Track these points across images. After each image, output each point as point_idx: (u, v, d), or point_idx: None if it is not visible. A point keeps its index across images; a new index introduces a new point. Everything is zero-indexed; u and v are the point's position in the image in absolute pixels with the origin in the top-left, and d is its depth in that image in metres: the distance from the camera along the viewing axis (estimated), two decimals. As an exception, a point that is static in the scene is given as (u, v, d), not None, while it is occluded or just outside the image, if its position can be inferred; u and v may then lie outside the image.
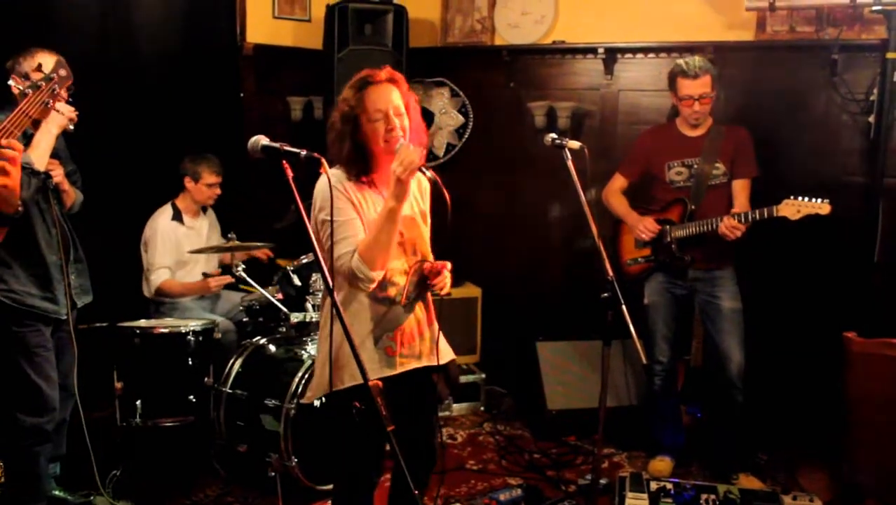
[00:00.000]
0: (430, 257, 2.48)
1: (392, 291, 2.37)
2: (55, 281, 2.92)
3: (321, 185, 2.30)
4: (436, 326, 2.50)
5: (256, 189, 4.51)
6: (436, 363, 2.49)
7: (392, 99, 2.32)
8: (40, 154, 2.74)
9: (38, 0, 3.86)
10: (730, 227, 3.35)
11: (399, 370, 2.39)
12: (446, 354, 2.57)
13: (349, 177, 2.34)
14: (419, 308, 2.45)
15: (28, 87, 2.52)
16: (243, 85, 4.72)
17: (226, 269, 4.12)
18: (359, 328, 2.33)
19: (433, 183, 2.31)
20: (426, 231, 2.49)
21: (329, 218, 2.24)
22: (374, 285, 2.30)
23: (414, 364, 2.44)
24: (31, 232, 2.85)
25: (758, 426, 3.80)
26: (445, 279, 2.40)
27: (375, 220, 2.27)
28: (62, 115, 2.77)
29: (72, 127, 2.81)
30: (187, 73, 4.44)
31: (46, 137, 2.76)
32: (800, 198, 3.24)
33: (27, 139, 2.82)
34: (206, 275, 4.04)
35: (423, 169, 2.26)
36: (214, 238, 4.27)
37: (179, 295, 4.05)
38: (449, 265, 2.41)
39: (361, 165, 2.34)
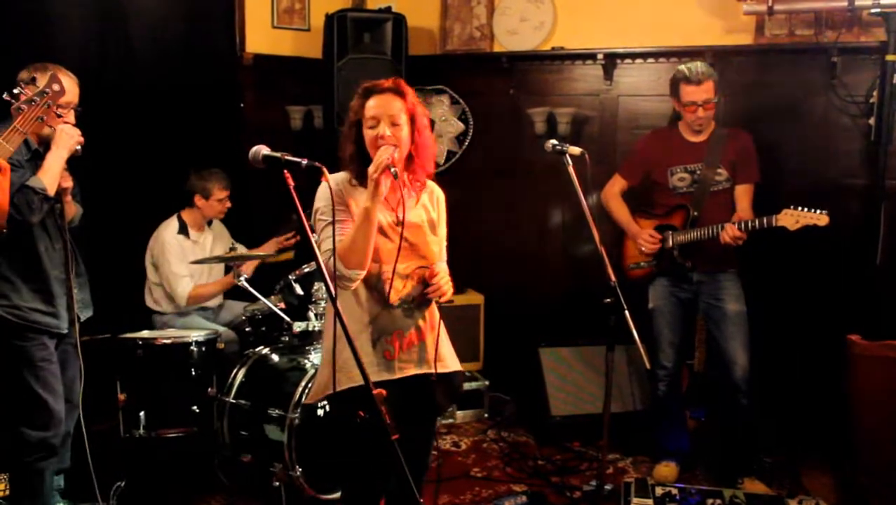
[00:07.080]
0: (437, 263, 2.47)
1: (390, 294, 2.37)
2: (57, 295, 2.92)
3: (321, 188, 2.35)
4: (438, 333, 2.49)
5: (257, 199, 4.50)
6: (437, 371, 2.46)
7: (389, 108, 2.35)
8: (51, 178, 2.75)
9: (36, 14, 3.87)
10: (731, 236, 3.36)
11: (398, 375, 2.41)
12: (452, 364, 2.55)
13: (351, 180, 2.41)
14: (421, 314, 2.45)
15: (23, 104, 2.55)
16: (243, 95, 4.72)
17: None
18: (353, 328, 2.31)
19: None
20: (433, 239, 2.48)
21: (322, 218, 2.34)
22: (354, 285, 2.31)
23: (414, 370, 2.44)
24: (33, 247, 2.85)
25: (762, 430, 3.78)
26: (439, 288, 2.39)
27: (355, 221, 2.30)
28: (71, 138, 2.78)
29: (80, 149, 2.83)
30: (187, 84, 4.44)
31: (57, 161, 2.77)
32: (799, 208, 3.25)
33: (34, 157, 2.83)
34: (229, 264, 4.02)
35: (394, 170, 2.24)
36: (220, 249, 4.22)
37: (209, 297, 4.08)
38: (441, 274, 2.41)
39: (361, 169, 2.36)
